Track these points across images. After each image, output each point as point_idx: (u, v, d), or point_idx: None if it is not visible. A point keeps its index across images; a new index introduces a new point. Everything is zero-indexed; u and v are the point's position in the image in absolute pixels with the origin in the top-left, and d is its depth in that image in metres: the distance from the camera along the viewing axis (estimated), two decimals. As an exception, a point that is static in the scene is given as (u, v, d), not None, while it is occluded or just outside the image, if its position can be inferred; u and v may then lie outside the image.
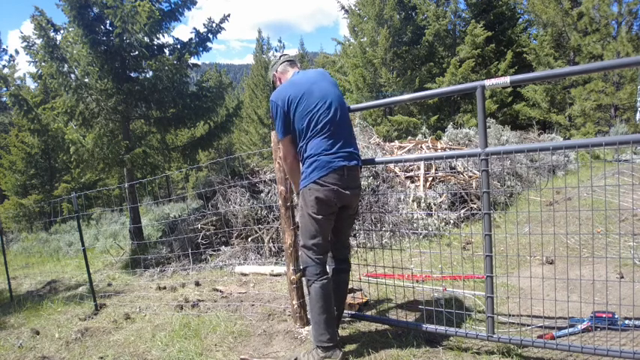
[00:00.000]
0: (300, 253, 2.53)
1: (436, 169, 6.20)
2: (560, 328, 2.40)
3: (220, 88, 7.87)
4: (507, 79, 2.10)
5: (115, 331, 3.37)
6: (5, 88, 7.04)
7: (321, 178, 2.29)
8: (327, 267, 2.49)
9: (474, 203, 5.81)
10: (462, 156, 2.49)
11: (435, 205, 5.59)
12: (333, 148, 2.31)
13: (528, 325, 2.49)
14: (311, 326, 2.41)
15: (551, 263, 3.64)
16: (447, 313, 2.76)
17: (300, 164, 2.45)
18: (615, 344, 2.17)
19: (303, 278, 2.58)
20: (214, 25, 7.28)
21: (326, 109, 2.33)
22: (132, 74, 7.08)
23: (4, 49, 23.84)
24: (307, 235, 2.39)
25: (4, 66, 22.92)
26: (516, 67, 15.43)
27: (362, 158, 2.50)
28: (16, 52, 26.17)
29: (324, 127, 2.32)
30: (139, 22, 5.99)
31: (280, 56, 2.69)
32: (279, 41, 24.93)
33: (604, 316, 2.37)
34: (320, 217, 2.33)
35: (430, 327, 2.51)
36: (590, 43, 13.50)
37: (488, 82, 2.15)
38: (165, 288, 4.60)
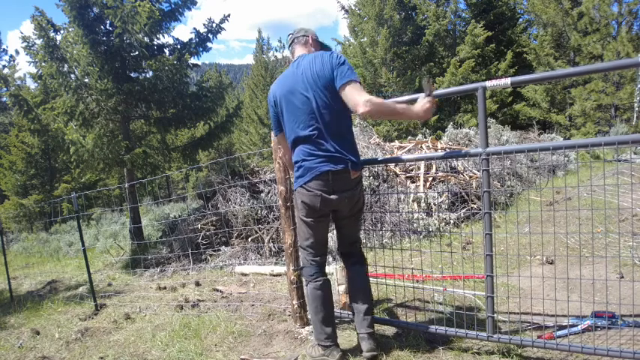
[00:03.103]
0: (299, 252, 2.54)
1: (436, 169, 6.21)
2: (560, 328, 2.40)
3: (220, 89, 7.87)
4: (508, 81, 2.10)
5: (115, 331, 3.37)
6: (5, 88, 7.04)
7: (306, 183, 2.24)
8: (333, 266, 2.49)
9: (474, 203, 5.81)
10: (464, 156, 2.49)
11: (435, 205, 5.59)
12: (316, 152, 2.21)
13: (528, 325, 2.49)
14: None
15: (551, 263, 3.64)
16: (447, 313, 2.76)
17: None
18: (615, 344, 2.18)
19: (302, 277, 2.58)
20: (214, 25, 7.29)
21: (309, 112, 2.20)
22: (132, 74, 7.09)
23: (4, 49, 23.87)
24: (302, 236, 2.41)
25: (4, 66, 22.96)
26: (516, 67, 15.44)
27: (362, 158, 2.44)
28: (16, 52, 26.23)
29: (305, 129, 2.22)
30: (139, 22, 5.99)
31: (289, 34, 2.50)
32: (279, 41, 24.93)
33: (604, 315, 2.37)
34: (309, 220, 2.32)
35: (430, 327, 2.51)
36: (590, 43, 13.51)
37: (489, 84, 2.15)
38: (165, 288, 4.60)
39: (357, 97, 2.09)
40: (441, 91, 2.29)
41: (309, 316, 2.93)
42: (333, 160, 2.20)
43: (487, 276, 2.20)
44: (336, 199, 2.25)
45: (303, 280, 2.43)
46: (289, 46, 2.49)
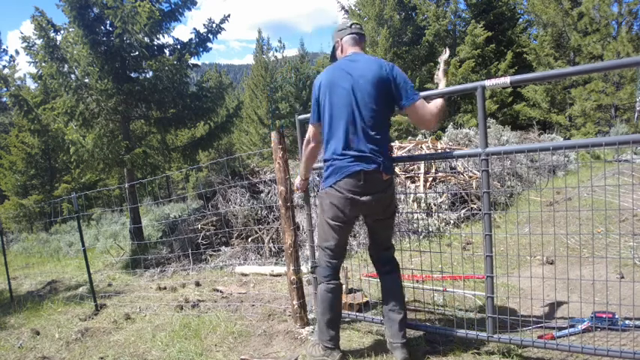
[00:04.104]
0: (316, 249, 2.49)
1: (436, 170, 6.20)
2: (560, 328, 2.40)
3: (220, 89, 7.87)
4: (507, 80, 2.10)
5: (115, 332, 3.37)
6: (5, 89, 7.04)
7: (336, 183, 2.19)
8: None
9: (474, 203, 5.81)
10: (463, 156, 2.49)
11: (435, 205, 5.59)
12: (349, 151, 2.17)
13: (529, 325, 2.48)
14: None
15: (551, 263, 3.64)
16: (447, 313, 2.76)
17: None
18: (615, 344, 2.17)
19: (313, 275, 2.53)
20: (214, 25, 7.28)
21: (349, 111, 2.18)
22: (132, 74, 7.09)
23: (4, 49, 23.85)
24: (321, 237, 2.36)
25: (4, 66, 22.95)
26: (516, 68, 15.45)
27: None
28: (17, 52, 26.20)
29: (340, 125, 2.19)
30: (139, 22, 5.99)
31: (352, 24, 2.39)
32: (279, 41, 24.85)
33: (604, 316, 2.37)
34: (333, 223, 2.27)
35: (430, 327, 2.51)
36: (590, 44, 13.51)
37: (488, 83, 2.15)
38: (165, 288, 4.60)
39: (429, 114, 2.20)
40: (440, 90, 2.29)
41: (309, 316, 2.93)
42: (365, 160, 2.16)
43: (487, 276, 2.20)
44: (367, 200, 2.19)
45: (316, 278, 2.41)
46: (350, 34, 2.37)
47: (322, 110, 2.30)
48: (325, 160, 2.29)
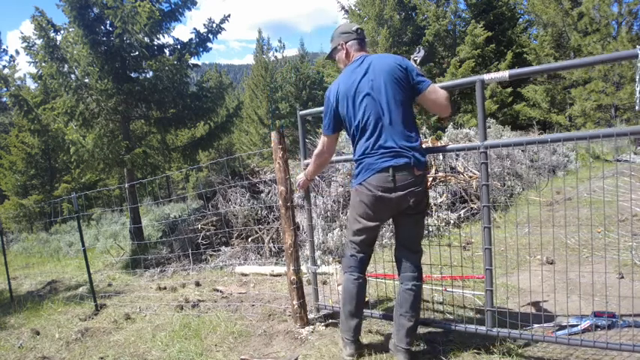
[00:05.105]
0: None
1: (436, 170, 6.21)
2: (560, 328, 2.40)
3: (220, 89, 7.88)
4: (506, 73, 2.11)
5: (115, 332, 3.37)
6: (5, 89, 7.04)
7: (365, 180, 2.19)
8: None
9: (474, 203, 5.81)
10: (462, 149, 2.50)
11: (435, 205, 5.59)
12: (377, 149, 2.16)
13: (528, 325, 2.48)
14: None
15: (551, 263, 3.64)
16: (447, 312, 2.76)
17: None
18: (615, 342, 2.17)
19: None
20: (214, 25, 7.29)
21: (374, 109, 2.17)
22: (132, 74, 7.09)
23: (4, 49, 23.86)
24: (350, 231, 2.37)
25: (4, 66, 22.96)
26: (516, 68, 15.40)
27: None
28: (17, 52, 26.21)
29: (368, 126, 2.18)
30: (139, 22, 6.00)
31: (357, 29, 2.43)
32: (279, 41, 24.89)
33: (604, 315, 2.37)
34: (362, 220, 2.27)
35: (428, 320, 2.52)
36: (590, 43, 13.51)
37: (487, 77, 2.16)
38: (165, 288, 4.60)
39: (444, 97, 2.20)
40: (439, 84, 2.30)
41: (309, 316, 2.93)
42: (395, 155, 2.14)
43: (486, 269, 2.21)
44: (397, 198, 2.15)
45: (341, 268, 2.43)
46: (356, 39, 2.42)
47: (348, 119, 2.28)
48: (356, 160, 2.29)
